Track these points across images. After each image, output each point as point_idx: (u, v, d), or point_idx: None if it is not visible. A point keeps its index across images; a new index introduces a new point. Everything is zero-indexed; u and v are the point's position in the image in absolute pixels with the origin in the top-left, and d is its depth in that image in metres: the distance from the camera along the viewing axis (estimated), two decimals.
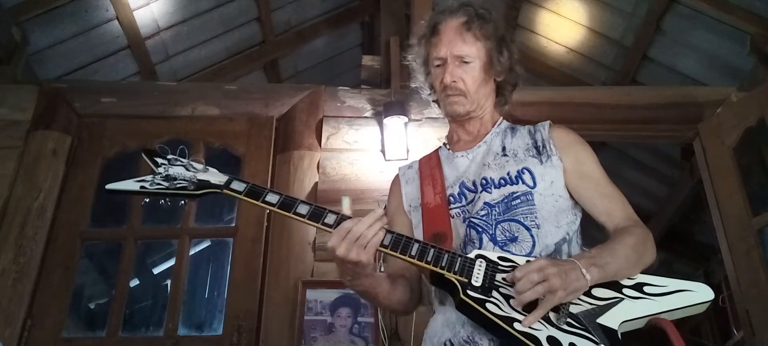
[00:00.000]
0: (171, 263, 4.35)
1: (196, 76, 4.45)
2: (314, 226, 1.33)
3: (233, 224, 3.01)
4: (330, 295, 2.78)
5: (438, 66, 1.57)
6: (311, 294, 2.77)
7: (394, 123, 3.12)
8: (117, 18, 3.78)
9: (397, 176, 1.71)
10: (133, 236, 2.98)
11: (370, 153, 3.16)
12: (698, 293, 1.31)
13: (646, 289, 1.32)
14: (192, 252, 3.31)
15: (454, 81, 1.53)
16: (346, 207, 2.93)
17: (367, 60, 3.81)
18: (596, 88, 4.21)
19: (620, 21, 4.04)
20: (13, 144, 3.06)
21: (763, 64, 3.33)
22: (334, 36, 5.01)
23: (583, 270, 1.25)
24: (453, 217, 1.48)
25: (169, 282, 4.05)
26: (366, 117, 3.26)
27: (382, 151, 3.15)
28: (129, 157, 3.19)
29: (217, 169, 1.43)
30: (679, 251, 5.71)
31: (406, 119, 3.14)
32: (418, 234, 1.51)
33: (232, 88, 3.51)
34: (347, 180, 3.08)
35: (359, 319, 2.74)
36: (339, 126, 3.23)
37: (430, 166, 1.61)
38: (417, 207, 1.56)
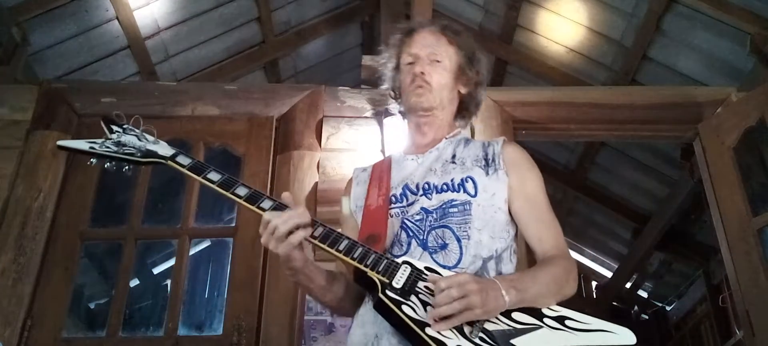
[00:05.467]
0: (171, 263, 4.34)
1: (196, 76, 4.45)
2: (250, 208, 1.38)
3: (233, 224, 3.00)
4: None
5: (409, 63, 1.62)
6: None
7: (394, 123, 3.12)
8: (117, 18, 3.78)
9: (350, 179, 1.74)
10: (133, 236, 2.97)
11: (370, 153, 3.16)
12: (619, 336, 1.29)
13: (567, 322, 1.31)
14: (192, 252, 3.30)
15: (423, 72, 1.58)
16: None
17: (367, 60, 3.80)
18: (596, 88, 4.20)
19: (620, 21, 4.04)
20: (13, 144, 3.05)
21: (763, 64, 3.32)
22: (334, 36, 5.01)
23: (503, 291, 1.27)
24: (391, 216, 1.50)
25: (169, 282, 4.05)
26: (366, 117, 3.26)
27: (383, 151, 3.15)
28: None
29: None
30: (679, 251, 5.70)
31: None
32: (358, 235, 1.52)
33: (232, 88, 3.50)
34: (347, 180, 3.07)
35: None
36: (339, 126, 3.23)
37: (382, 169, 1.64)
38: (360, 208, 1.58)
